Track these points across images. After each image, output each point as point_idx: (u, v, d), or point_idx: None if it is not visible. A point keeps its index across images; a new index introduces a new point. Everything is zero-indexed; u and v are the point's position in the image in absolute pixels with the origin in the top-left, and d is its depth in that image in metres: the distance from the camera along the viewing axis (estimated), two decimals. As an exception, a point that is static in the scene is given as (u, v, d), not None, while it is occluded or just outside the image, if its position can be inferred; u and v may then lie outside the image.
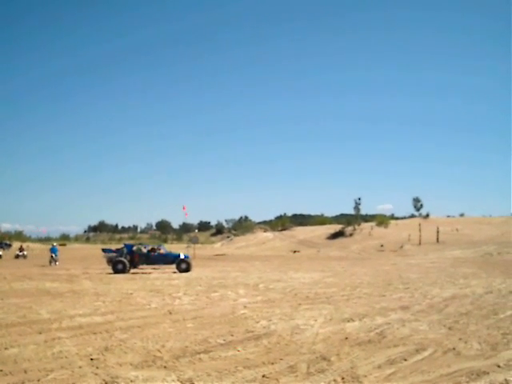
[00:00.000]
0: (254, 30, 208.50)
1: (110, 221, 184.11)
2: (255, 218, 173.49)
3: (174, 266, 24.09)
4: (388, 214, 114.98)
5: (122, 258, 23.45)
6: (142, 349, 6.89)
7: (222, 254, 54.74)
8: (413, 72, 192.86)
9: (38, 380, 5.39)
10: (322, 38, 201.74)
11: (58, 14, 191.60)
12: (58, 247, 35.97)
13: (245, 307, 11.09)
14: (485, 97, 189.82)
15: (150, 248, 25.31)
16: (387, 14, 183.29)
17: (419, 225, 62.80)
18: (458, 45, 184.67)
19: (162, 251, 24.96)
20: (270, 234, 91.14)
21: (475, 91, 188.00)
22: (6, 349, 6.84)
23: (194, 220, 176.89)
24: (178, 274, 22.38)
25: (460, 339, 7.64)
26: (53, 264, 30.64)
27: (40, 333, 8.01)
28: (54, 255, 31.45)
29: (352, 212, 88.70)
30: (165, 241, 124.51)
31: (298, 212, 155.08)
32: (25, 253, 44.50)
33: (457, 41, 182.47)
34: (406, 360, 6.33)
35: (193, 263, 25.32)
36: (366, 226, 79.59)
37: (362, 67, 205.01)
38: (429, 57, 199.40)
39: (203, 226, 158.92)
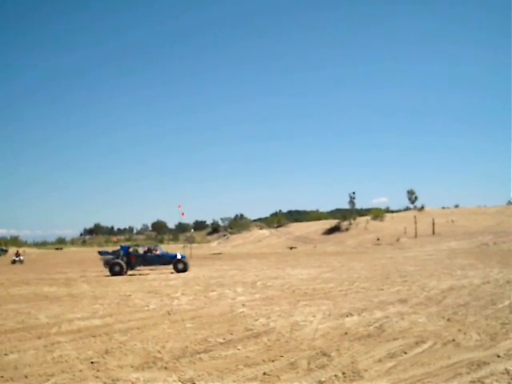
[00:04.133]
0: (250, 26, 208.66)
1: (106, 223, 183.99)
2: (251, 215, 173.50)
3: (171, 266, 24.08)
4: (383, 207, 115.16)
5: (119, 260, 23.40)
6: (142, 350, 6.88)
7: (218, 253, 54.69)
8: (406, 64, 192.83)
9: (39, 385, 5.37)
10: (317, 32, 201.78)
11: (56, 14, 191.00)
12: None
13: (243, 305, 11.09)
14: (477, 87, 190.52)
15: (146, 249, 25.27)
16: (386, 7, 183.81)
17: (415, 217, 62.91)
18: (451, 34, 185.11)
19: (158, 252, 24.92)
20: (265, 232, 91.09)
21: (468, 82, 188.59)
22: (5, 355, 6.81)
23: (189, 219, 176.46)
24: (176, 275, 22.35)
25: (459, 330, 7.67)
26: None
27: (39, 338, 7.99)
28: None
29: (347, 206, 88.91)
30: (161, 241, 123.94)
31: (293, 208, 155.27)
32: (21, 258, 44.24)
33: (454, 31, 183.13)
34: (406, 353, 6.34)
35: (190, 263, 25.28)
36: (361, 220, 79.71)
37: (356, 61, 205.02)
38: (423, 48, 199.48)
39: (199, 226, 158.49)
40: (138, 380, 5.45)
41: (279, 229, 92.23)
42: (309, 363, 5.97)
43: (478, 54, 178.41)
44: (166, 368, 5.94)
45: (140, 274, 23.28)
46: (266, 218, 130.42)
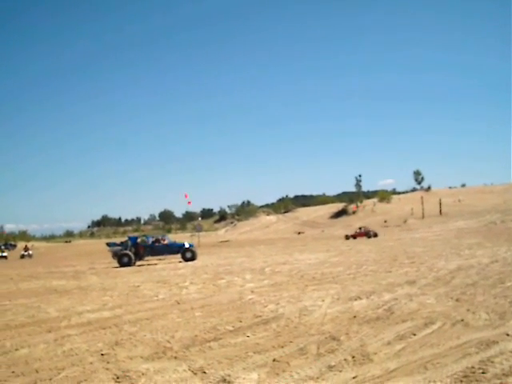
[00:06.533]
0: (248, 21, 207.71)
1: (113, 214, 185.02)
2: (257, 201, 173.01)
3: (179, 255, 24.17)
4: (389, 189, 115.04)
5: (127, 251, 23.49)
6: (152, 341, 6.89)
7: (226, 241, 54.85)
8: (411, 49, 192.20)
9: (50, 379, 5.39)
10: (324, 21, 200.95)
11: (55, 9, 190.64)
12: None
13: (252, 292, 11.10)
14: (481, 71, 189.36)
15: (154, 239, 25.33)
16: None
17: (421, 198, 62.77)
18: (457, 23, 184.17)
19: (166, 241, 24.99)
20: (273, 217, 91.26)
21: (472, 65, 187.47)
22: (16, 350, 6.84)
23: (196, 208, 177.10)
24: (184, 264, 22.45)
25: (468, 310, 7.64)
26: None
27: (49, 331, 8.01)
28: None
29: (353, 189, 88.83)
30: (169, 231, 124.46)
31: (300, 193, 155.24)
32: (30, 252, 44.57)
33: (459, 20, 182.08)
34: (415, 335, 6.33)
35: (198, 251, 25.38)
36: (368, 202, 79.73)
37: (361, 48, 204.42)
38: (428, 35, 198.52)
39: (206, 214, 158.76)
40: (148, 370, 5.47)
41: (286, 214, 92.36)
42: (318, 348, 5.96)
43: (483, 41, 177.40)
44: (175, 357, 5.95)
45: (148, 265, 23.38)
46: (273, 203, 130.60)
